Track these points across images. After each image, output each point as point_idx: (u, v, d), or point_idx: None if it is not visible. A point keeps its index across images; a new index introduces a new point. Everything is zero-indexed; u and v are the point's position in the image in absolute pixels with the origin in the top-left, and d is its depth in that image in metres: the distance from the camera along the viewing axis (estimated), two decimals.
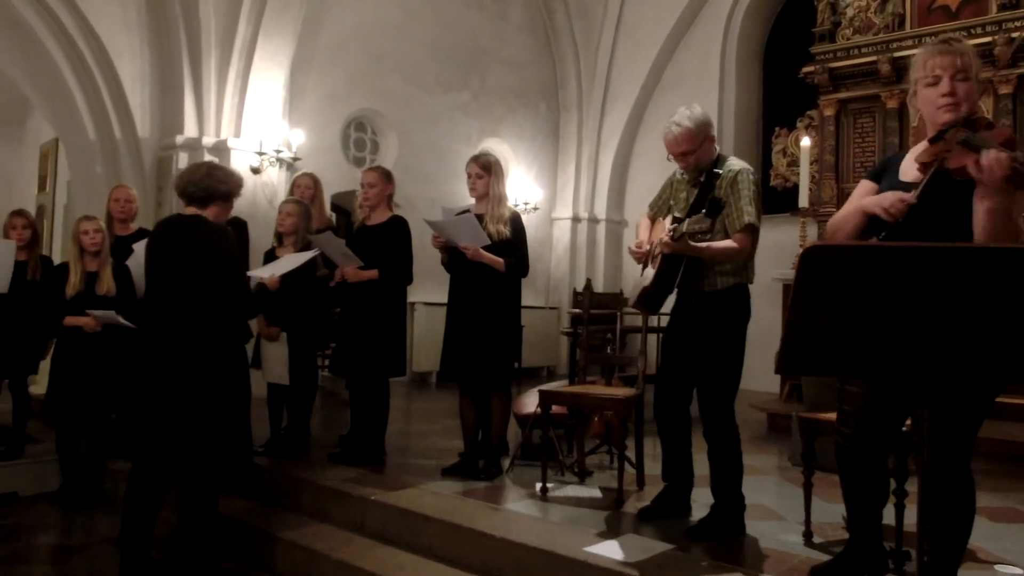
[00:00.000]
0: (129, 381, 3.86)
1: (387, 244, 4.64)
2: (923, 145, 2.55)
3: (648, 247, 3.61)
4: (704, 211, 3.31)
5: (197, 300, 3.54)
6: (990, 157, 2.19)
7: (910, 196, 2.39)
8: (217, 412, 3.56)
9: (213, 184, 3.66)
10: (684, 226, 3.28)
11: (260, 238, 5.94)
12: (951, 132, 2.40)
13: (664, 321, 4.04)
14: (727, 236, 3.45)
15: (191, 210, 3.69)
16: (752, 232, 3.43)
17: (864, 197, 2.63)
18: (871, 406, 2.63)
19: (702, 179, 3.58)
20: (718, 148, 3.66)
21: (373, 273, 4.59)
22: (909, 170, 2.57)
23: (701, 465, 3.67)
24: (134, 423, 3.69)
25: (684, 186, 3.69)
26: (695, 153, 3.53)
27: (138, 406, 3.65)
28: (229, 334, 3.65)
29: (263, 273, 4.11)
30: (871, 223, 2.54)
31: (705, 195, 3.51)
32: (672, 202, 3.73)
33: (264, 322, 4.86)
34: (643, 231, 3.80)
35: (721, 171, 3.53)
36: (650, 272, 3.52)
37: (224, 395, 3.59)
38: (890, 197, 2.44)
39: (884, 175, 2.69)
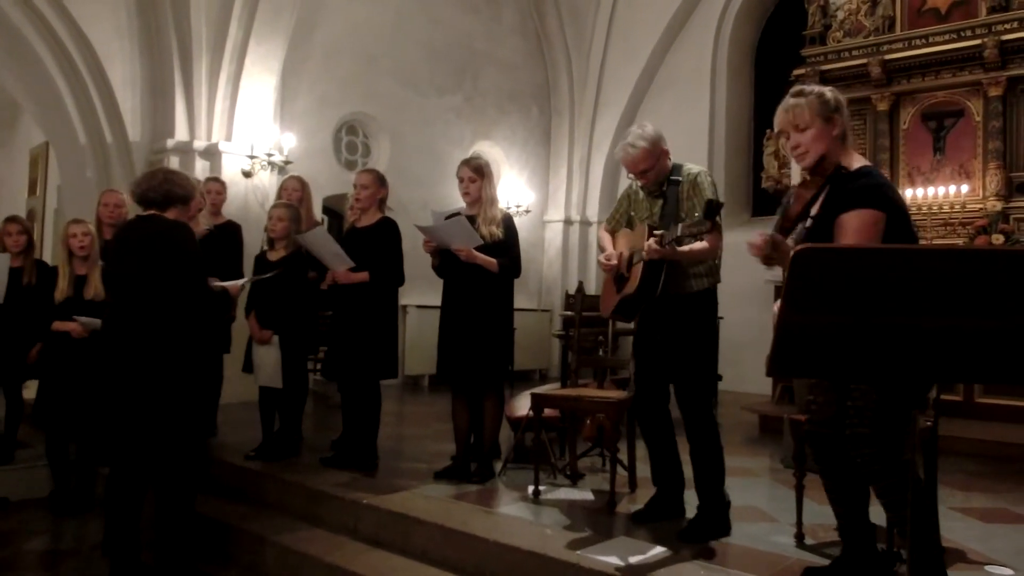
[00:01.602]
0: (97, 384, 3.85)
1: (377, 246, 4.64)
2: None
3: (617, 259, 3.76)
4: (701, 214, 3.39)
5: (159, 294, 3.53)
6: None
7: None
8: (182, 408, 3.55)
9: (172, 188, 3.69)
10: (679, 229, 3.32)
11: (251, 242, 5.92)
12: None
13: None
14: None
15: (150, 212, 3.70)
16: (719, 229, 3.50)
17: None
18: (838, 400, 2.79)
19: (664, 188, 3.71)
20: (671, 160, 3.77)
21: (364, 276, 4.58)
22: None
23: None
24: (106, 427, 3.68)
25: (645, 198, 3.81)
26: (654, 169, 3.66)
27: (108, 409, 3.65)
28: (191, 329, 3.63)
29: (226, 284, 4.14)
30: None
31: (672, 203, 3.66)
32: (633, 213, 3.86)
33: (256, 326, 4.85)
34: (607, 244, 3.93)
35: (681, 177, 3.68)
36: (634, 279, 3.57)
37: (189, 391, 3.58)
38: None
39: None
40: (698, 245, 3.52)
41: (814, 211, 2.74)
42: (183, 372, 3.57)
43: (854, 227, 2.62)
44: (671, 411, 3.77)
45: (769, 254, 2.59)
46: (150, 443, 3.52)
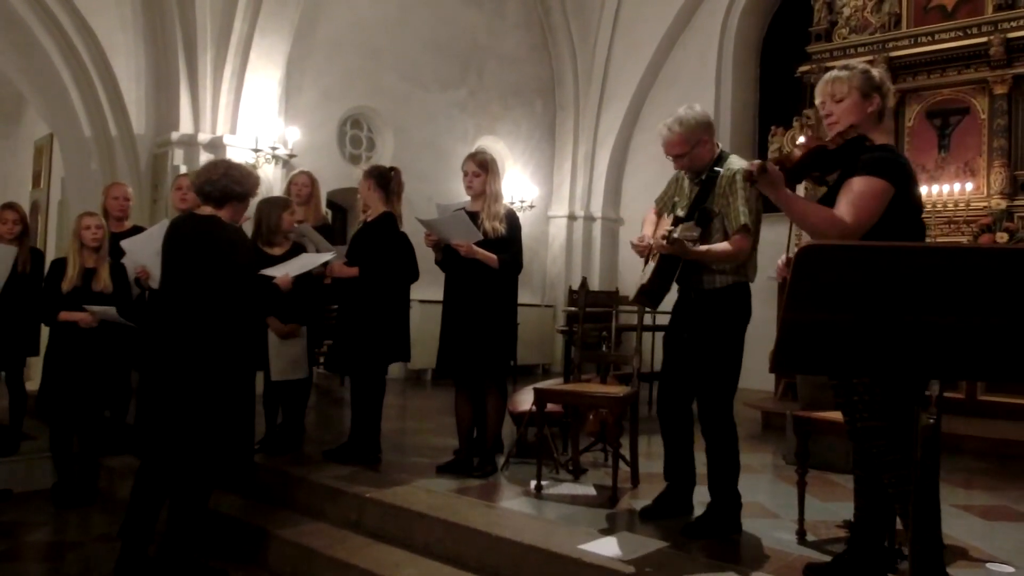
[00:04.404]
0: (144, 377, 3.90)
1: (375, 240, 4.65)
2: None
3: (649, 242, 3.62)
4: (695, 220, 3.34)
5: (206, 300, 3.56)
6: None
7: None
8: (221, 410, 3.57)
9: (229, 184, 3.67)
10: (677, 232, 3.28)
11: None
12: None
13: (661, 319, 4.04)
14: (726, 237, 3.46)
15: (207, 209, 3.70)
16: (748, 233, 3.44)
17: None
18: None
19: (703, 178, 3.59)
20: (719, 147, 3.65)
21: (353, 271, 4.60)
22: None
23: (703, 464, 3.67)
24: (148, 419, 3.69)
25: (688, 184, 3.70)
26: (688, 155, 3.55)
27: (152, 402, 3.67)
28: (237, 334, 3.65)
29: (276, 272, 4.08)
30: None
31: (705, 195, 3.54)
32: (676, 198, 3.74)
33: (277, 321, 4.82)
34: (648, 226, 3.82)
35: (721, 170, 3.54)
36: (650, 268, 3.53)
37: (229, 394, 3.60)
38: None
39: None
40: (718, 247, 3.42)
41: (832, 179, 2.80)
42: (229, 375, 3.60)
43: (857, 190, 2.66)
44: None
45: (757, 179, 2.70)
46: (190, 441, 3.54)
